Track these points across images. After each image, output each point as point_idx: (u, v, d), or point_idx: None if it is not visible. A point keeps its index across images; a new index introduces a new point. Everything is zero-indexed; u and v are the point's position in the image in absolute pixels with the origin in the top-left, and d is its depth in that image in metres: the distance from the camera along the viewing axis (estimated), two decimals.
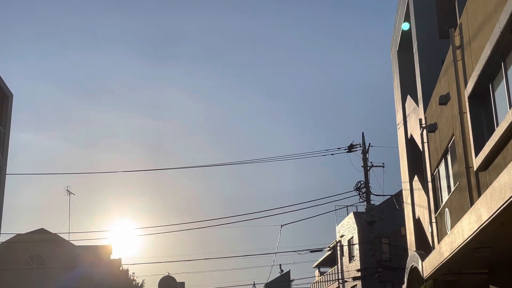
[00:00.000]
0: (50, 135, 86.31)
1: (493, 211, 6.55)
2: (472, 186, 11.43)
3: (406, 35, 19.84)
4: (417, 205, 19.09)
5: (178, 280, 25.43)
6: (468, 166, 11.60)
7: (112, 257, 39.03)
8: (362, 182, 23.87)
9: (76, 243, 33.94)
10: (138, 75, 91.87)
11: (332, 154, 24.09)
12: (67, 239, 33.18)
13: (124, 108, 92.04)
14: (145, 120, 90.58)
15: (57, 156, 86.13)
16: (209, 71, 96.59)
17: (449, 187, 14.17)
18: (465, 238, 8.07)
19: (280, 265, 53.67)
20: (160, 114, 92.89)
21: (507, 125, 8.73)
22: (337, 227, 39.86)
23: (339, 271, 37.75)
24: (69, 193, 33.98)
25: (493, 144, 9.56)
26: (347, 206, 34.86)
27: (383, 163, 24.39)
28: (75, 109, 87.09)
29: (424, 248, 17.14)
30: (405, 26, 18.57)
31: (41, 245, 33.80)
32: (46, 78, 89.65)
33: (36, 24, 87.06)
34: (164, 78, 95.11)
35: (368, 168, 24.03)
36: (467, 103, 11.46)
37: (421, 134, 16.88)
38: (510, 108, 9.05)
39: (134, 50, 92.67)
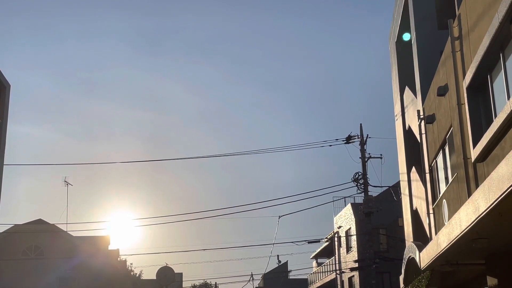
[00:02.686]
0: (47, 127, 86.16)
1: (491, 202, 6.54)
2: (470, 177, 11.43)
3: (404, 26, 19.76)
4: (414, 196, 19.10)
5: (176, 271, 25.42)
6: (466, 157, 11.59)
7: (110, 248, 39.13)
8: (360, 173, 23.87)
9: (74, 234, 34.00)
10: (135, 68, 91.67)
11: (330, 146, 24.06)
12: (65, 230, 33.19)
13: (121, 101, 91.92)
14: (142, 113, 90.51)
15: (54, 148, 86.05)
16: (206, 63, 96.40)
17: (446, 178, 14.17)
18: (463, 229, 8.07)
19: (278, 256, 53.70)
20: (157, 106, 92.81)
21: (505, 116, 8.72)
22: (334, 218, 39.90)
23: (337, 262, 37.83)
24: (67, 184, 33.90)
25: (491, 135, 9.55)
26: (344, 197, 34.80)
27: (381, 155, 24.39)
28: (71, 101, 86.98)
29: (422, 239, 17.16)
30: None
31: (39, 235, 33.79)
32: (42, 70, 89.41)
33: (32, 16, 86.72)
34: (160, 70, 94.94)
35: (366, 159, 24.03)
36: (465, 94, 11.44)
37: (419, 126, 16.85)
38: (508, 99, 9.04)
39: (130, 42, 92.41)
